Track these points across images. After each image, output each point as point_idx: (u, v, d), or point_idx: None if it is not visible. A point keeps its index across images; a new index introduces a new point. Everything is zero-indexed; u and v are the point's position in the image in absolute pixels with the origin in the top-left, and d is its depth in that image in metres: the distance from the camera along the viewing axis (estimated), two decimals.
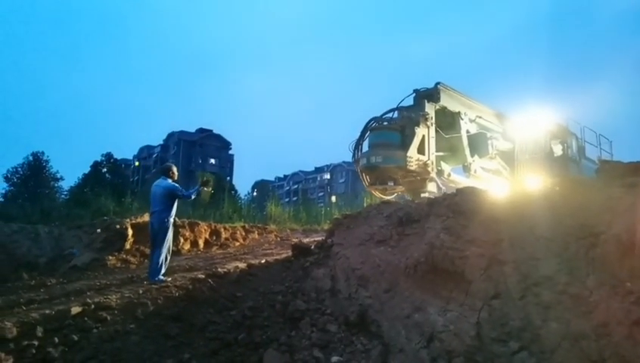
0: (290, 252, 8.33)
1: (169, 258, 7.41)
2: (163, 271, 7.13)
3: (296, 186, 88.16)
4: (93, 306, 5.55)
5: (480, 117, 12.06)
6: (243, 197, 37.33)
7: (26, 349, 4.53)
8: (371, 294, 5.58)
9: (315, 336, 5.12)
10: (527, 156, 12.06)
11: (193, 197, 7.66)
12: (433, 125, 10.50)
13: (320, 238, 9.36)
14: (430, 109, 10.60)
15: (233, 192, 33.20)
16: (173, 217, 7.42)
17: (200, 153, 69.21)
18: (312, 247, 8.07)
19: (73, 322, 5.11)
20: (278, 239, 13.76)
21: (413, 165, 9.63)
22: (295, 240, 11.15)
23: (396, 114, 10.84)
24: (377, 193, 10.92)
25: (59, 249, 10.02)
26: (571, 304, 3.38)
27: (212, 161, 69.54)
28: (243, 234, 13.47)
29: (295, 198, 68.80)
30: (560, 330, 3.36)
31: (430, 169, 10.01)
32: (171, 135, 71.84)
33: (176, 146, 69.86)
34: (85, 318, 5.16)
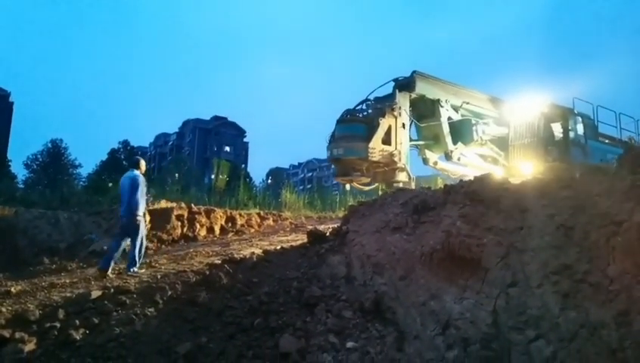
0: (305, 239, 8.36)
1: (143, 250, 7.40)
2: (138, 263, 7.16)
3: (310, 174, 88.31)
4: (112, 290, 5.68)
5: (468, 103, 11.85)
6: (258, 185, 37.66)
7: (48, 330, 4.66)
8: (386, 281, 5.58)
9: (331, 322, 5.14)
10: (521, 141, 11.55)
11: (141, 208, 7.28)
12: (404, 115, 10.48)
13: (335, 225, 9.37)
14: (403, 98, 10.63)
15: (248, 179, 33.40)
16: (143, 209, 7.39)
17: (216, 140, 69.69)
18: (328, 234, 8.08)
19: (94, 305, 5.24)
20: (293, 226, 13.82)
21: (376, 156, 9.74)
22: (310, 227, 11.19)
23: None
24: (355, 186, 11.00)
25: (78, 234, 10.24)
26: (591, 293, 3.33)
27: (227, 149, 70.00)
28: (259, 220, 13.56)
29: (309, 186, 68.83)
30: (578, 318, 3.32)
31: (397, 159, 9.99)
32: (186, 123, 72.47)
33: (192, 134, 70.47)
34: (105, 302, 5.27)
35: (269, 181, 60.29)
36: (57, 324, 4.75)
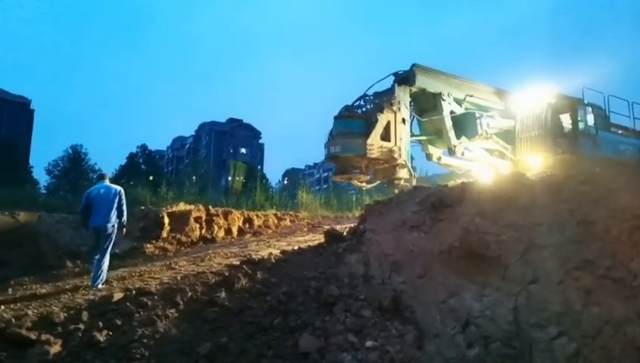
0: (322, 239, 8.37)
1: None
2: (105, 277, 6.92)
3: (326, 174, 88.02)
4: (134, 292, 5.77)
5: (472, 96, 11.48)
6: (274, 186, 37.83)
7: (73, 332, 4.75)
8: (404, 279, 5.55)
9: (350, 321, 5.14)
10: (529, 134, 11.04)
11: (124, 221, 7.36)
12: (404, 110, 10.12)
13: (352, 225, 9.35)
14: (403, 92, 10.26)
15: (264, 181, 33.55)
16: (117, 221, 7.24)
17: (231, 142, 70.23)
18: (345, 234, 8.08)
19: (116, 307, 5.33)
20: (310, 226, 13.86)
21: (375, 153, 9.42)
22: (327, 226, 11.19)
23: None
24: (355, 184, 10.75)
25: None
26: (614, 288, 3.28)
27: (243, 150, 70.49)
28: (276, 221, 13.64)
29: (325, 186, 68.79)
30: (602, 314, 3.27)
31: (396, 155, 9.71)
32: (202, 126, 73.26)
33: (208, 136, 71.19)
34: (127, 303, 5.36)
35: (285, 181, 60.51)
36: (82, 326, 4.84)
